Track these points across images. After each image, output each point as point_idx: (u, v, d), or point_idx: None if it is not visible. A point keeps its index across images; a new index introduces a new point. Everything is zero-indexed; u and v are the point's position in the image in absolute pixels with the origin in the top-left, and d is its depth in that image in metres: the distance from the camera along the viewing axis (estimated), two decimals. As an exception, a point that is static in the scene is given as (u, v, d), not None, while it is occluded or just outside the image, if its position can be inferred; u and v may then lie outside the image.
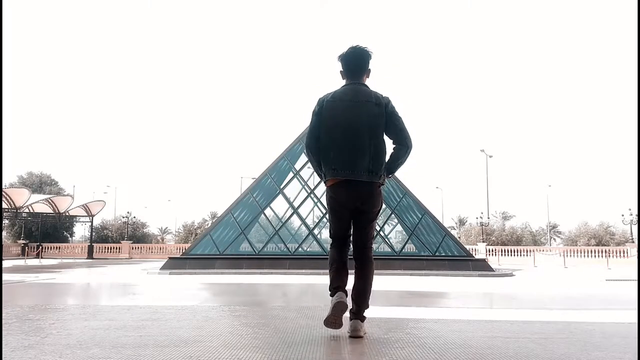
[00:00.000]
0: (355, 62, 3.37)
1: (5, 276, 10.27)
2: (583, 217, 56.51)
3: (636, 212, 34.12)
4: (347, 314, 3.08)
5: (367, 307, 3.23)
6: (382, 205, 3.37)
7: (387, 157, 3.28)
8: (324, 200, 17.75)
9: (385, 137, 3.27)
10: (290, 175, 19.05)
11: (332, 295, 3.17)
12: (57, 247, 35.36)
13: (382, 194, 3.34)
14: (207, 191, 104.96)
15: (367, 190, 3.19)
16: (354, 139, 3.18)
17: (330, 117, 3.24)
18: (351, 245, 3.35)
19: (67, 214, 35.12)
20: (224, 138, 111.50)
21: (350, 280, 3.17)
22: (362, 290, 3.19)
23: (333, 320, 3.09)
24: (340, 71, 3.43)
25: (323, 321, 3.16)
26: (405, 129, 3.31)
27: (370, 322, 3.49)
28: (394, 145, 3.29)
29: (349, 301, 3.13)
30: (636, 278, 13.98)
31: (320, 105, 3.31)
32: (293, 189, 18.72)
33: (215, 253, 16.78)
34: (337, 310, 3.06)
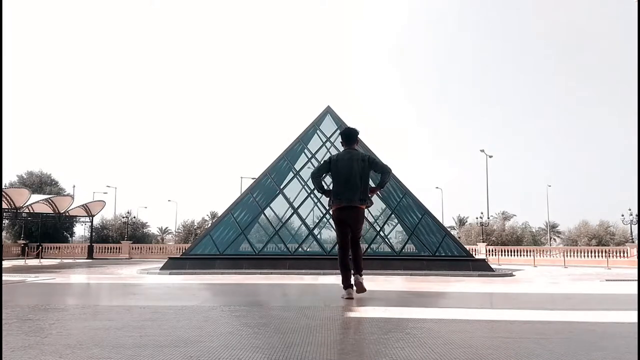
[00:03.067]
0: (349, 137, 5.84)
1: (5, 276, 10.26)
2: (583, 217, 56.44)
3: (636, 212, 34.11)
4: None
5: (361, 269, 5.57)
6: (364, 220, 5.87)
7: (374, 184, 5.84)
8: (323, 200, 17.80)
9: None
10: (290, 175, 19.03)
11: (344, 289, 5.44)
12: (57, 247, 35.34)
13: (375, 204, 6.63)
14: (207, 191, 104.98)
15: (359, 211, 5.59)
16: (351, 182, 5.50)
17: (336, 169, 5.60)
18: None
19: (67, 214, 35.10)
20: (224, 138, 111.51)
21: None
22: (356, 259, 5.61)
23: (348, 292, 5.39)
24: (341, 141, 5.91)
25: (341, 296, 5.40)
26: (383, 164, 5.81)
27: (371, 322, 3.75)
28: (380, 175, 5.74)
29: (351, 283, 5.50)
30: (636, 278, 13.98)
31: (329, 160, 5.73)
32: (293, 189, 18.71)
33: (215, 253, 16.77)
34: (350, 298, 5.33)
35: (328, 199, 5.85)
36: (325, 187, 5.96)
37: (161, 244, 52.17)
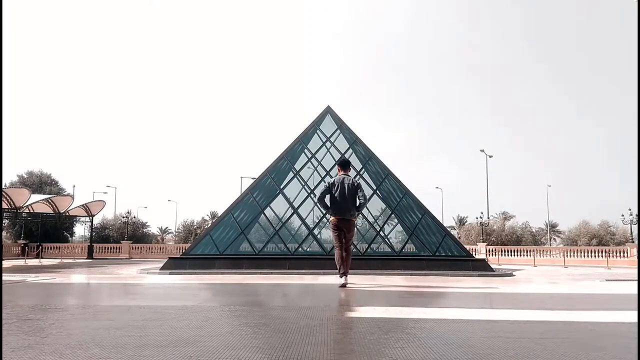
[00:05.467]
0: (344, 165, 8.38)
1: (5, 276, 10.26)
2: (583, 217, 56.38)
3: (636, 212, 34.12)
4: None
5: (348, 271, 7.80)
6: (355, 229, 8.30)
7: (358, 203, 7.98)
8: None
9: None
10: (290, 175, 19.00)
11: (340, 277, 7.70)
12: (57, 247, 35.32)
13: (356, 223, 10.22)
14: (207, 191, 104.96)
15: (350, 222, 7.90)
16: (345, 201, 7.78)
17: (334, 191, 7.81)
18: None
19: (67, 214, 35.08)
20: (224, 138, 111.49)
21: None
22: (347, 263, 7.79)
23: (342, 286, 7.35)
24: (338, 167, 8.42)
25: (339, 286, 7.42)
26: (363, 194, 7.98)
27: (371, 322, 3.80)
28: (359, 201, 7.92)
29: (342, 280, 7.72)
30: (636, 278, 13.97)
31: (328, 185, 7.95)
32: (293, 189, 18.68)
33: (215, 253, 16.75)
34: (344, 285, 7.44)
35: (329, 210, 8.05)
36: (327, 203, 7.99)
37: (161, 243, 52.13)
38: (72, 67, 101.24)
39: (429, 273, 14.02)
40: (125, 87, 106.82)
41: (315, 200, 19.24)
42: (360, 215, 15.62)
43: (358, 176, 17.21)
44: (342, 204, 7.74)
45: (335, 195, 7.78)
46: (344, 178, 7.92)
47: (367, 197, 8.53)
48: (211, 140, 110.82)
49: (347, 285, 7.51)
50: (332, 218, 7.92)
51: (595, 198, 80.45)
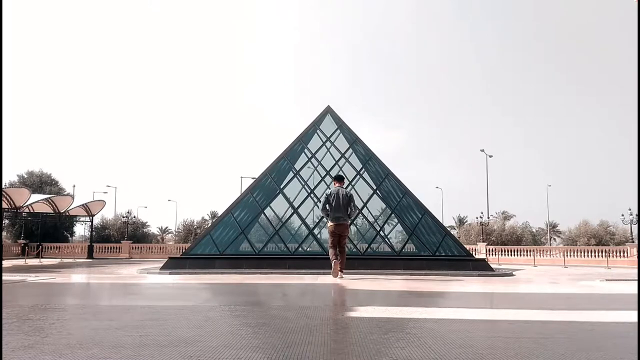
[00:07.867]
0: (339, 179, 10.27)
1: (5, 276, 10.26)
2: (583, 217, 56.31)
3: (636, 212, 34.12)
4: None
5: (344, 267, 9.60)
6: (348, 231, 10.46)
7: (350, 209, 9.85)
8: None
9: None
10: (290, 175, 18.98)
11: (332, 262, 9.48)
12: (57, 247, 35.30)
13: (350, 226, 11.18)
14: (207, 191, 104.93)
15: (345, 226, 9.76)
16: (339, 209, 9.54)
17: (331, 201, 9.57)
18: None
19: (67, 213, 35.06)
20: (224, 138, 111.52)
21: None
22: (342, 261, 9.52)
23: (335, 272, 9.37)
24: (333, 180, 10.28)
25: (331, 274, 9.44)
26: (355, 204, 9.94)
27: (371, 322, 3.81)
28: (350, 210, 9.69)
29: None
30: (636, 278, 13.97)
31: (327, 195, 9.80)
32: (293, 188, 18.65)
33: (215, 253, 16.73)
34: (335, 267, 9.42)
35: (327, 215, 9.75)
36: (328, 211, 9.64)
37: (161, 243, 52.09)
38: (71, 67, 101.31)
39: (429, 273, 14.00)
40: (125, 87, 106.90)
41: (315, 201, 19.30)
42: (358, 216, 16.33)
43: (357, 178, 17.30)
44: (337, 212, 9.45)
45: (332, 204, 9.48)
46: (338, 189, 9.67)
47: (358, 206, 10.96)
48: (211, 140, 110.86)
49: (346, 286, 7.77)
50: (329, 224, 9.55)
51: (595, 198, 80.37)
